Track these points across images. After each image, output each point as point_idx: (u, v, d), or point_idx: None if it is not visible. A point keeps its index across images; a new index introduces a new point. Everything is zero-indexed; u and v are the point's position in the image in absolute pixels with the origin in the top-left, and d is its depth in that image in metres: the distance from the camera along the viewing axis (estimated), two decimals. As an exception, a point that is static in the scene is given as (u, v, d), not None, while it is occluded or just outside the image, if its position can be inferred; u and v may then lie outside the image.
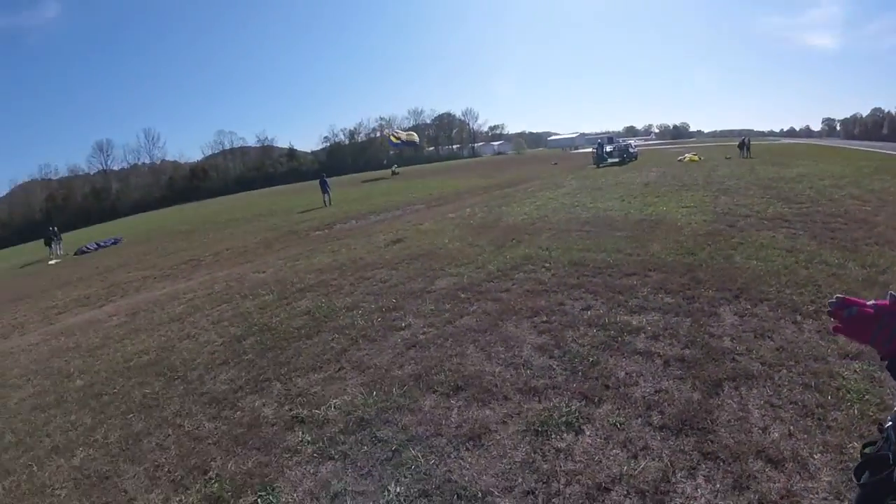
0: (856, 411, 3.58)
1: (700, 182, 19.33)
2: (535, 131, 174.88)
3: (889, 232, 9.20)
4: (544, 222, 12.43)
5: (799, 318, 5.22)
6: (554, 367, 4.54)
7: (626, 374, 4.28)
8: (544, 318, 5.70)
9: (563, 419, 3.71)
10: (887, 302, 1.34)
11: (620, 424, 3.60)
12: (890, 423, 1.76)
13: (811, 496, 2.86)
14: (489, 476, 3.24)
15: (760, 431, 3.43)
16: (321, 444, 3.81)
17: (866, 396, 3.75)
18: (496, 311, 6.10)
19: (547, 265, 8.04)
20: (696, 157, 35.59)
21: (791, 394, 3.85)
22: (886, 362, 1.40)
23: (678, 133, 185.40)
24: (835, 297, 1.38)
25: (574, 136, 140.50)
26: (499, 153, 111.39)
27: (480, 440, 3.61)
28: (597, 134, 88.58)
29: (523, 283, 7.17)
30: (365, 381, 4.73)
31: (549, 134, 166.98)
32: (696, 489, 2.96)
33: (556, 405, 3.90)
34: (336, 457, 3.64)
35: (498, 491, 3.10)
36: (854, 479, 1.71)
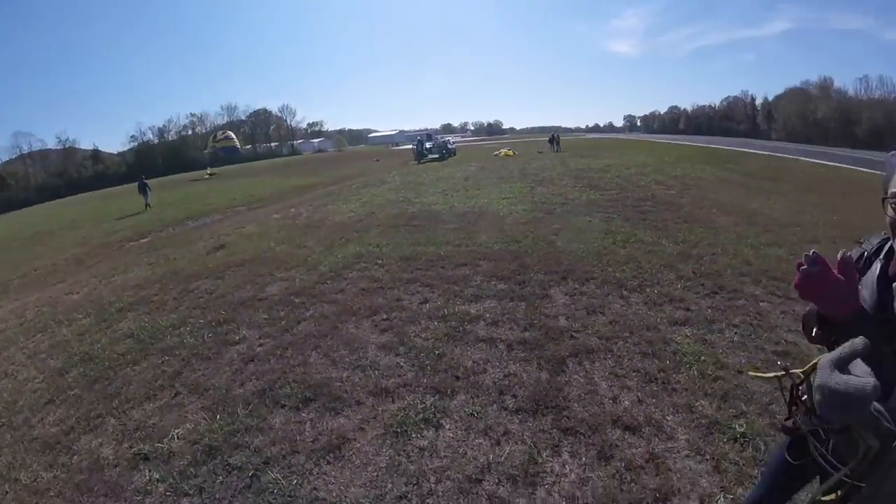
0: (695, 372, 4.26)
1: (517, 175, 21.39)
2: (355, 128, 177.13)
3: (695, 212, 11.12)
4: (372, 219, 12.72)
5: (625, 292, 6.17)
6: (401, 364, 4.71)
7: (474, 362, 4.62)
8: (384, 316, 5.88)
9: (421, 416, 3.85)
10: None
11: (477, 413, 3.85)
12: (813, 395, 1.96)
13: (673, 456, 3.31)
14: (357, 487, 3.24)
15: (611, 401, 3.91)
16: (172, 480, 3.51)
17: (702, 357, 4.49)
18: (334, 314, 6.13)
19: (379, 262, 8.30)
20: (511, 153, 39.30)
21: (632, 363, 4.46)
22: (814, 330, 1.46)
23: (492, 130, 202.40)
24: (812, 251, 1.37)
25: (394, 133, 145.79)
26: (319, 150, 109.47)
27: (340, 451, 3.59)
28: (416, 131, 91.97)
29: (358, 282, 7.31)
30: (205, 404, 4.44)
31: (370, 131, 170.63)
32: (564, 465, 3.27)
33: (411, 403, 4.04)
34: (191, 492, 3.38)
35: (369, 501, 3.11)
36: (788, 457, 1.79)
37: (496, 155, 38.49)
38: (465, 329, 5.31)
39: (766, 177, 19.95)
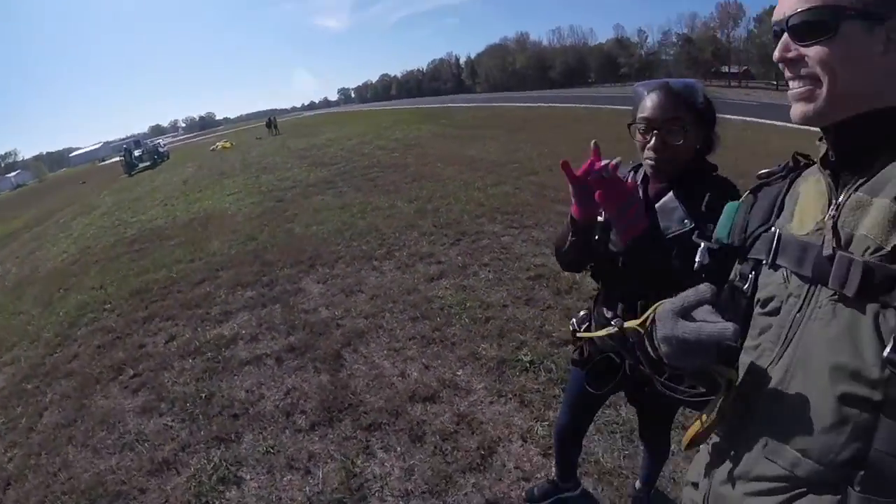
0: (466, 320, 4.35)
1: (238, 167, 20.01)
2: (54, 150, 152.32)
3: (421, 169, 11.52)
4: (88, 255, 10.58)
5: (376, 263, 6.06)
6: (170, 425, 3.82)
7: (247, 391, 3.97)
8: (131, 373, 4.70)
9: (215, 478, 3.17)
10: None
11: (273, 448, 3.32)
12: (583, 325, 2.03)
13: (479, 408, 3.32)
14: None
15: (400, 378, 3.75)
16: None
17: (467, 304, 4.59)
18: (76, 389, 4.70)
19: (108, 306, 6.76)
20: (228, 144, 36.81)
21: (405, 331, 4.36)
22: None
23: (206, 123, 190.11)
24: (615, 160, 1.41)
25: (98, 146, 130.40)
26: (19, 186, 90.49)
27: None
28: (122, 140, 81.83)
29: (90, 340, 5.83)
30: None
31: (71, 150, 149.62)
32: (384, 464, 3.02)
33: (198, 467, 3.30)
34: None
35: None
36: (590, 388, 1.91)
37: (213, 149, 35.70)
38: (225, 356, 4.55)
39: (477, 125, 21.62)
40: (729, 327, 0.90)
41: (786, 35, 0.92)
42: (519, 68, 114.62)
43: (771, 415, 0.97)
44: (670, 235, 1.60)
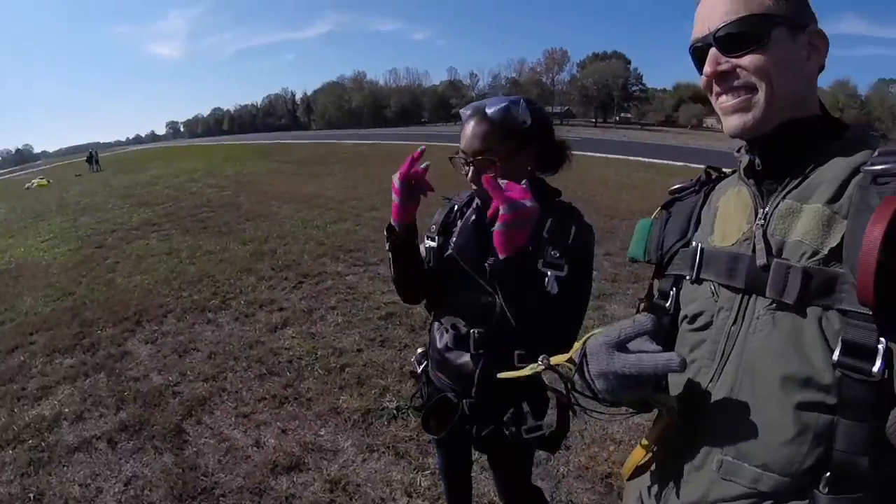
0: (319, 371, 4.03)
1: (55, 208, 17.47)
2: None
3: (255, 207, 10.85)
4: None
5: (211, 315, 5.33)
6: None
7: (81, 486, 3.10)
8: None
9: None
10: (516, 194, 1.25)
11: None
12: (422, 363, 1.88)
13: (352, 469, 3.01)
14: None
15: (256, 448, 3.27)
16: None
17: (318, 353, 4.28)
18: None
19: None
20: (45, 182, 32.49)
21: (253, 392, 3.85)
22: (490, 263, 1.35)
23: (22, 157, 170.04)
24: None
25: None
26: None
27: None
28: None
29: None
30: None
31: None
32: None
33: None
34: None
35: None
36: (428, 433, 1.79)
37: (28, 188, 31.51)
38: (50, 443, 3.57)
39: (314, 162, 21.18)
40: (674, 359, 0.84)
41: (713, 49, 0.92)
42: (355, 106, 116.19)
43: (721, 434, 0.93)
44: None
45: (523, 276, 1.37)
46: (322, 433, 3.32)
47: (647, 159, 22.21)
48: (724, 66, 0.91)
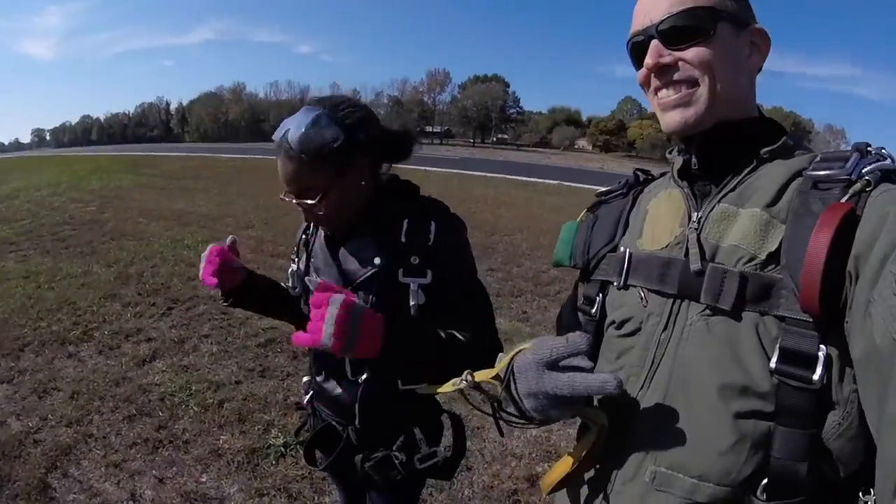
0: (195, 408, 3.69)
1: None
2: None
3: (121, 225, 10.02)
4: None
5: (72, 348, 4.75)
6: None
7: None
8: None
9: None
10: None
11: None
12: (309, 393, 1.70)
13: None
14: None
15: (132, 502, 2.92)
16: None
17: (192, 387, 3.95)
18: None
19: None
20: None
21: (123, 438, 3.43)
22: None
23: None
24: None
25: None
26: None
27: None
28: None
29: None
30: None
31: None
32: None
33: None
34: None
35: None
36: (310, 464, 1.69)
37: None
38: None
39: (186, 176, 19.92)
40: (610, 381, 0.80)
41: (655, 42, 0.90)
42: (232, 119, 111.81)
43: (654, 444, 0.89)
44: (358, 280, 1.37)
45: (386, 294, 1.31)
46: (204, 479, 3.03)
47: (523, 178, 23.07)
48: (665, 59, 0.89)
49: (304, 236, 1.60)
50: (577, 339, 0.85)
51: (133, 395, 3.90)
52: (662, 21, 0.88)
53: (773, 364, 0.77)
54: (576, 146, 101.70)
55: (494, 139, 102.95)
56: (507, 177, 23.36)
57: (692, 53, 0.87)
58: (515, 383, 0.88)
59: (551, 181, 21.76)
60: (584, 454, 0.96)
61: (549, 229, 10.33)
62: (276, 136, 1.29)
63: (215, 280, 1.46)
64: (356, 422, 1.51)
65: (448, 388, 1.01)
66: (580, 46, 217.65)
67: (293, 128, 1.26)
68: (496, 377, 0.92)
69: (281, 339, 4.65)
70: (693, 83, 0.88)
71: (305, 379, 1.75)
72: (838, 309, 0.74)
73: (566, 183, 21.17)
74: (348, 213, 1.37)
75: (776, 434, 0.78)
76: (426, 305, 1.32)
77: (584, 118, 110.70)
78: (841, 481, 0.78)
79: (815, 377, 0.74)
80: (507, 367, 0.90)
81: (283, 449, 3.23)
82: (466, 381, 0.94)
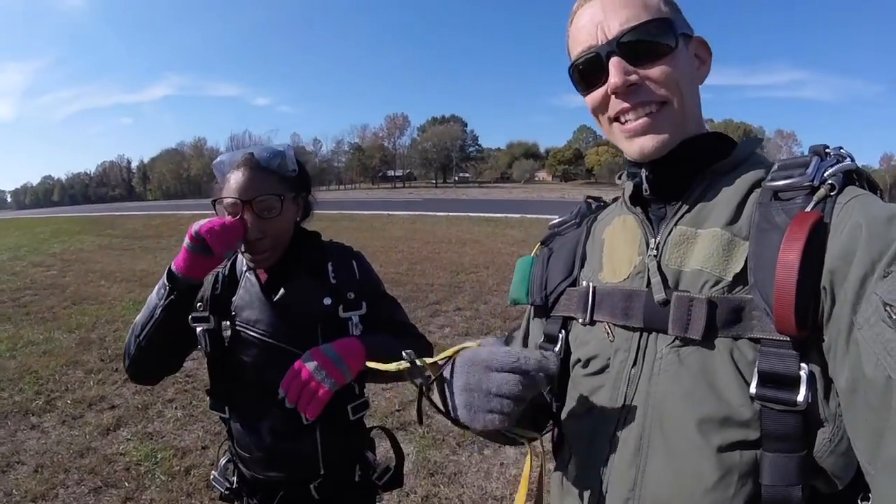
0: (162, 477, 3.54)
1: None
2: None
3: (82, 289, 9.75)
4: None
5: (35, 419, 4.54)
6: None
7: None
8: None
9: None
10: None
11: None
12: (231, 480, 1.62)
13: None
14: None
15: None
16: None
17: (158, 456, 3.78)
18: None
19: None
20: None
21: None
22: None
23: None
24: None
25: None
26: None
27: None
28: None
29: None
30: None
31: None
32: None
33: None
34: None
35: None
36: None
37: None
38: None
39: (149, 235, 19.59)
40: (551, 359, 0.78)
41: (616, 59, 0.80)
42: (194, 175, 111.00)
43: (633, 486, 0.81)
44: (309, 321, 1.42)
45: (332, 331, 1.37)
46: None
47: (486, 214, 23.25)
48: (634, 78, 0.80)
49: (212, 293, 1.48)
50: (551, 361, 0.80)
51: (98, 465, 3.73)
52: (623, 34, 0.80)
53: (752, 390, 0.71)
54: (536, 178, 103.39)
55: (456, 178, 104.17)
56: (470, 214, 23.53)
57: (659, 71, 0.80)
58: (452, 375, 0.84)
59: (514, 215, 21.96)
60: (528, 476, 0.91)
61: (514, 263, 10.33)
62: (232, 156, 1.43)
63: (215, 230, 1.31)
64: (320, 471, 1.48)
65: (392, 367, 0.95)
66: (532, 81, 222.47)
67: (257, 151, 1.40)
68: (434, 364, 0.88)
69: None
70: (661, 103, 0.81)
71: (223, 462, 1.65)
72: (815, 325, 0.69)
73: (528, 215, 21.39)
74: (282, 245, 1.43)
75: (764, 461, 0.71)
76: (363, 333, 1.44)
77: (542, 150, 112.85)
78: (837, 493, 0.73)
79: (800, 398, 0.68)
80: (450, 359, 0.86)
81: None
82: (407, 357, 0.90)
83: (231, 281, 1.51)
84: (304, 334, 1.38)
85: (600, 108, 0.87)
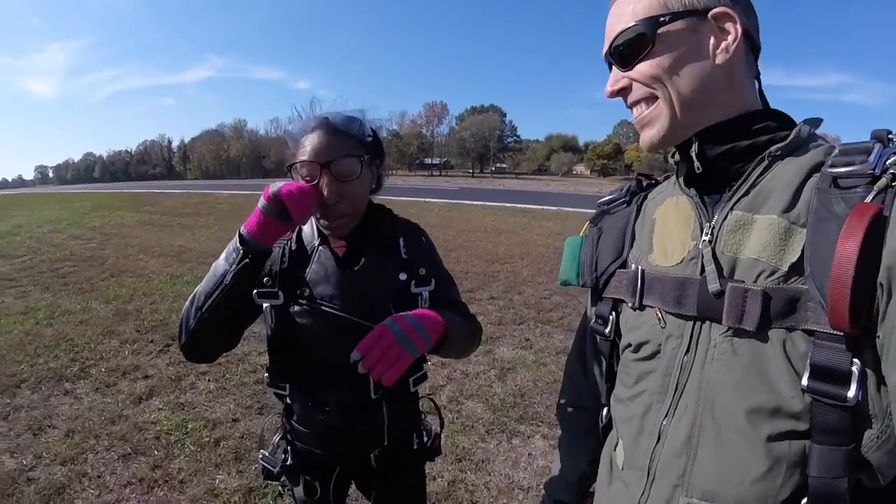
0: (191, 447, 3.56)
1: None
2: None
3: (121, 262, 9.97)
4: None
5: (69, 385, 4.64)
6: None
7: None
8: None
9: None
10: None
11: None
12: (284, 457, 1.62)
13: None
14: None
15: None
16: None
17: (188, 426, 3.82)
18: None
19: None
20: None
21: (117, 477, 3.29)
22: None
23: None
24: None
25: None
26: None
27: None
28: None
29: None
30: None
31: None
32: None
33: None
34: None
35: None
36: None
37: None
38: None
39: (187, 213, 19.97)
40: None
41: (614, 66, 0.88)
42: (233, 156, 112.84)
43: (684, 474, 0.83)
44: (385, 294, 1.42)
45: (402, 305, 1.35)
46: (188, 522, 2.90)
47: (521, 205, 23.06)
48: (620, 83, 0.87)
49: (280, 269, 1.38)
50: None
51: (129, 433, 3.79)
52: (612, 44, 0.86)
53: (804, 382, 0.71)
54: (574, 172, 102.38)
55: (493, 169, 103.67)
56: (506, 205, 23.36)
57: (637, 72, 0.84)
58: None
59: (550, 207, 21.74)
60: None
61: (549, 255, 10.29)
62: (306, 121, 1.38)
63: (293, 193, 1.21)
64: (385, 441, 1.51)
65: None
66: (574, 73, 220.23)
67: (332, 115, 1.36)
68: None
69: (280, 374, 4.51)
70: (651, 99, 0.85)
71: (277, 438, 1.63)
72: (870, 321, 0.68)
73: (565, 209, 21.15)
74: (359, 212, 1.41)
75: (812, 453, 0.72)
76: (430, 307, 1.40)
77: (581, 144, 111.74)
78: (881, 488, 0.74)
79: (850, 394, 0.68)
80: None
81: (280, 488, 3.10)
82: None
83: (299, 255, 1.43)
84: (378, 309, 1.35)
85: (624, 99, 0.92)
